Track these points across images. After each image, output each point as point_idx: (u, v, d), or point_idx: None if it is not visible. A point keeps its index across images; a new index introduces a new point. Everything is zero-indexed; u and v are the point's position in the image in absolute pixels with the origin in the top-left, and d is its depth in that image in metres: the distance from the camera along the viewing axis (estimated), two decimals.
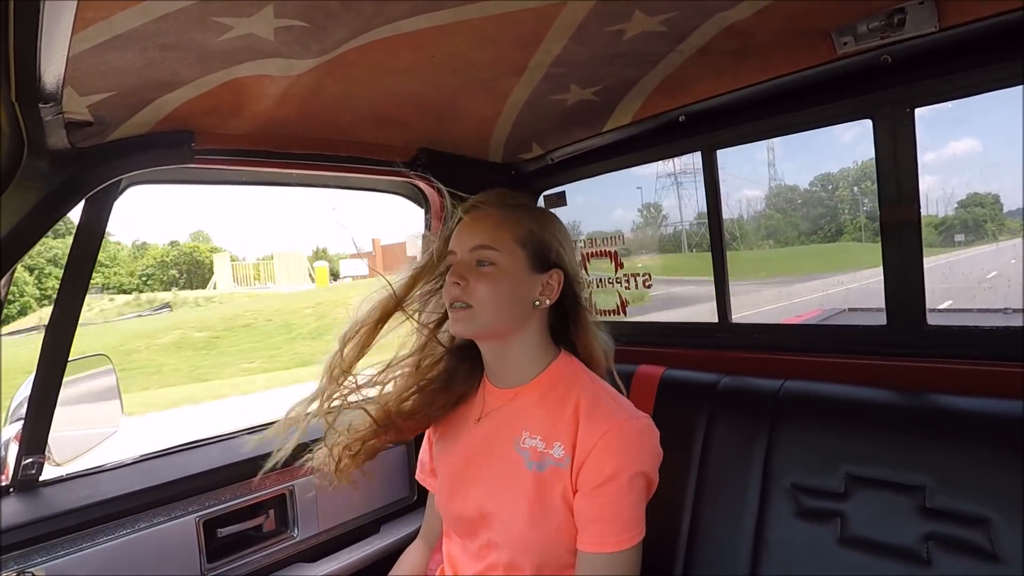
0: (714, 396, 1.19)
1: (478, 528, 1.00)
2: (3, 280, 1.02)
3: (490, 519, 0.98)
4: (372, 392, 1.08)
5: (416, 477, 1.20)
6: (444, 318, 1.08)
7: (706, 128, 1.35)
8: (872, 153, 1.12)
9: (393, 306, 1.04)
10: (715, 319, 1.43)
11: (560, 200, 1.74)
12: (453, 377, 1.09)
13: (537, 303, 0.98)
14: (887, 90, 1.09)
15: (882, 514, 0.94)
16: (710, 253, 1.40)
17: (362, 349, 1.03)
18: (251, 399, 9.08)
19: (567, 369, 1.01)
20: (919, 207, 1.10)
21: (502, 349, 1.01)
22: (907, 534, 0.90)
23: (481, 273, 0.96)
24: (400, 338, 1.10)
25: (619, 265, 1.63)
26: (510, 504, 0.95)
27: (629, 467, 0.89)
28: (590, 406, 0.94)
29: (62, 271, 1.16)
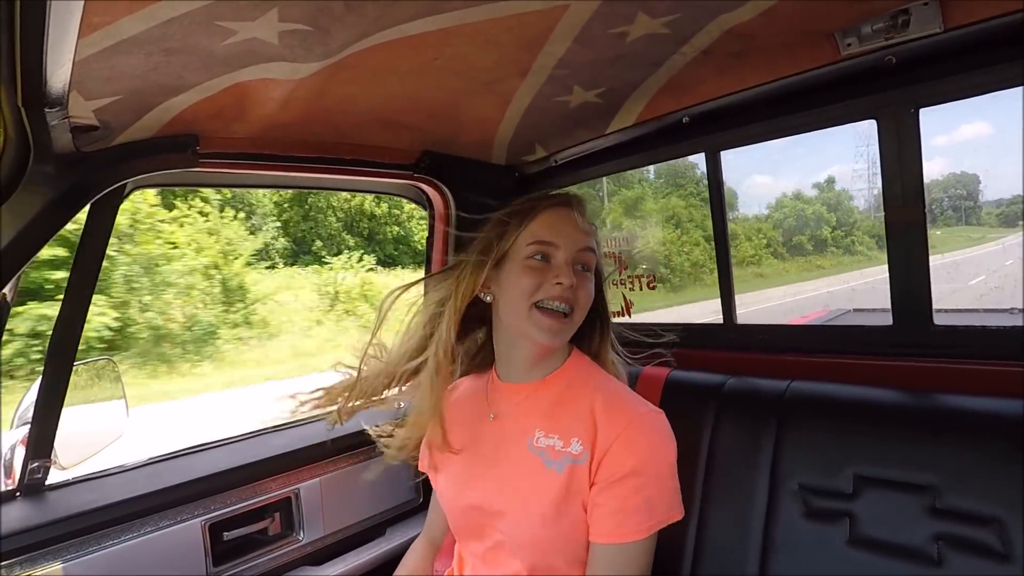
0: (720, 397, 1.19)
1: (485, 527, 0.99)
2: (10, 284, 1.03)
3: (499, 518, 0.97)
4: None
5: (419, 467, 1.18)
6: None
7: (710, 129, 1.34)
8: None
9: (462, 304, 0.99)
10: (720, 320, 1.42)
11: None
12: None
13: None
14: (891, 91, 1.08)
15: (891, 514, 0.93)
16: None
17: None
18: None
19: (581, 367, 1.01)
20: (924, 207, 1.09)
21: (528, 346, 0.99)
22: (917, 534, 0.90)
23: (585, 277, 0.95)
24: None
25: (623, 266, 1.62)
26: (524, 503, 0.94)
27: (652, 459, 0.89)
28: (607, 402, 0.94)
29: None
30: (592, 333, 1.05)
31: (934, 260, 1.08)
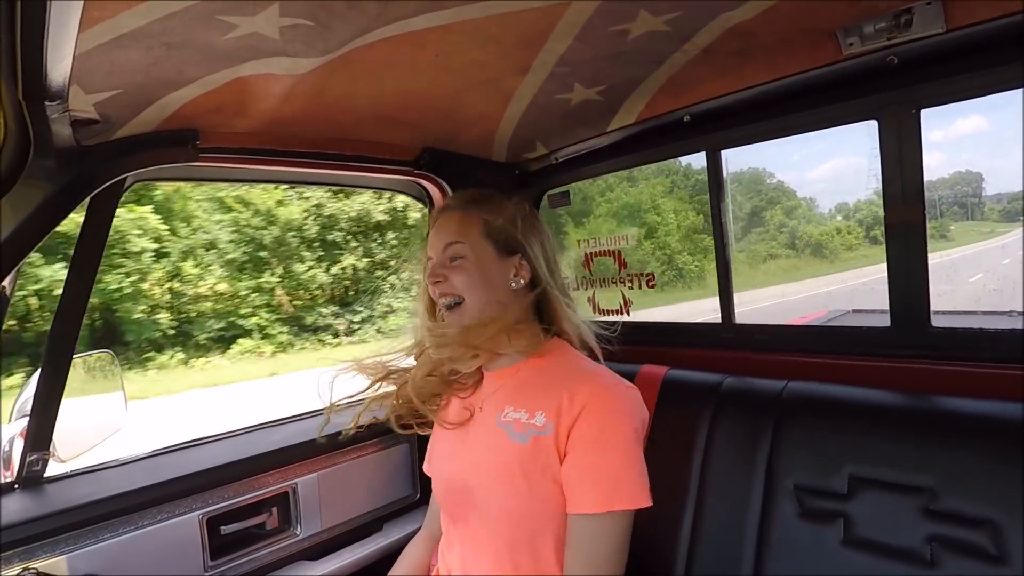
0: (717, 397, 1.19)
1: (466, 507, 1.03)
2: (9, 277, 1.03)
3: (474, 494, 1.01)
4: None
5: (424, 469, 1.23)
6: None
7: (710, 128, 1.34)
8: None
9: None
10: (719, 319, 1.42)
11: (564, 199, 1.74)
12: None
13: (514, 284, 1.05)
14: (893, 91, 1.08)
15: (886, 516, 0.93)
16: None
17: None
18: None
19: (556, 351, 1.07)
20: (924, 207, 1.09)
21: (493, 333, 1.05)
22: (911, 536, 0.90)
23: (455, 267, 1.04)
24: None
25: (623, 265, 1.62)
26: (489, 475, 0.99)
27: (618, 428, 0.93)
28: (576, 376, 0.99)
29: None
30: (545, 306, 1.11)
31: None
